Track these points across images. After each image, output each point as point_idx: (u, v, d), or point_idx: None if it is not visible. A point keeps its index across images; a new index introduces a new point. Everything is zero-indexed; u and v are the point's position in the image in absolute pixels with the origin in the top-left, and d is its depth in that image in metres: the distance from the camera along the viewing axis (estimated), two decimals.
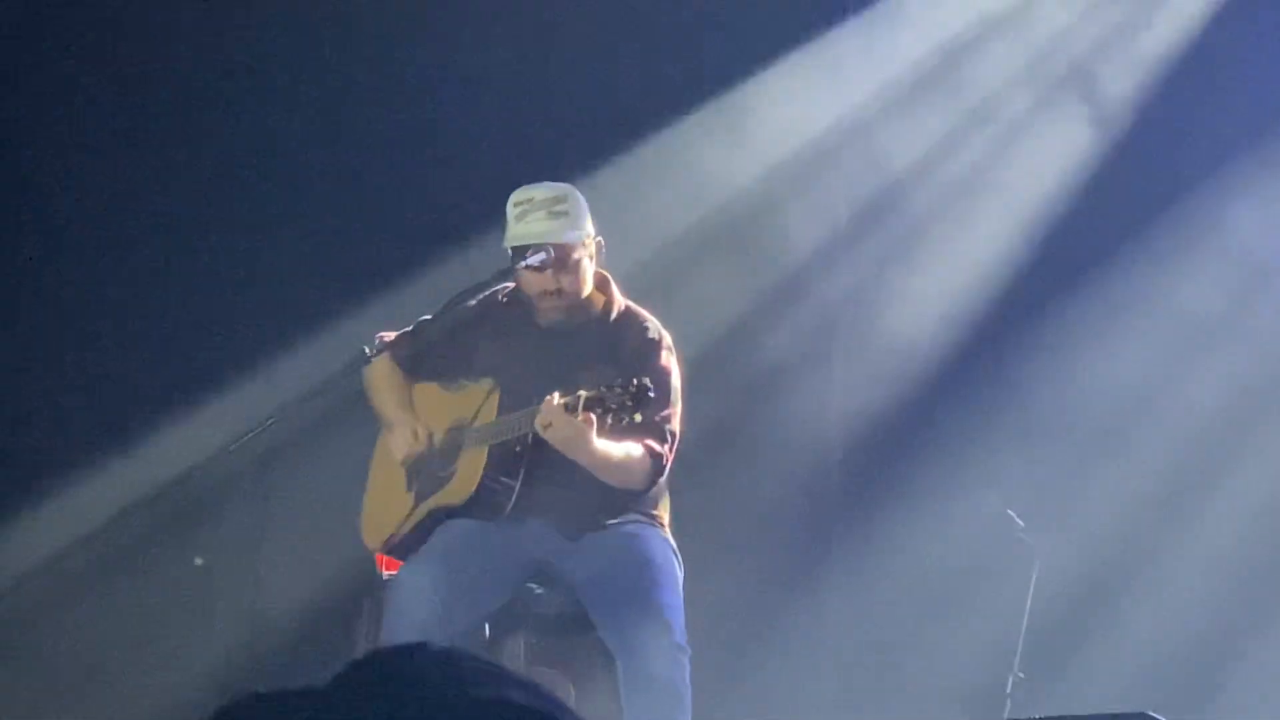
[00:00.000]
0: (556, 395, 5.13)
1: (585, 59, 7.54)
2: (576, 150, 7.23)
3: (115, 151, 7.08)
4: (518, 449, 5.40)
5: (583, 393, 5.09)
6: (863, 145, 7.82)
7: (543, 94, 7.51)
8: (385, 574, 5.64)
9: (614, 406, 5.03)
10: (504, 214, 5.52)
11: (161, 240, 7.14)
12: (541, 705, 1.25)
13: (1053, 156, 7.79)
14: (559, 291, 5.46)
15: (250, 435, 5.37)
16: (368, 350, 5.52)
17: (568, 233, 5.45)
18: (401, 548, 5.60)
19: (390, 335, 5.66)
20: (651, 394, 5.04)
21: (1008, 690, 6.91)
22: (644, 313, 5.65)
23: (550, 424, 5.14)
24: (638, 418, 5.07)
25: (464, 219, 6.95)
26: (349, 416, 6.30)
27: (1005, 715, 6.78)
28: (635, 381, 5.03)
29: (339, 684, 1.24)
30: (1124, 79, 7.80)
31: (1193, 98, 7.78)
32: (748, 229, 7.64)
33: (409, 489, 5.66)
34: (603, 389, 5.05)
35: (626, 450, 5.30)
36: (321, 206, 7.27)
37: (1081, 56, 7.87)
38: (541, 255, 5.42)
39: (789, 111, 7.66)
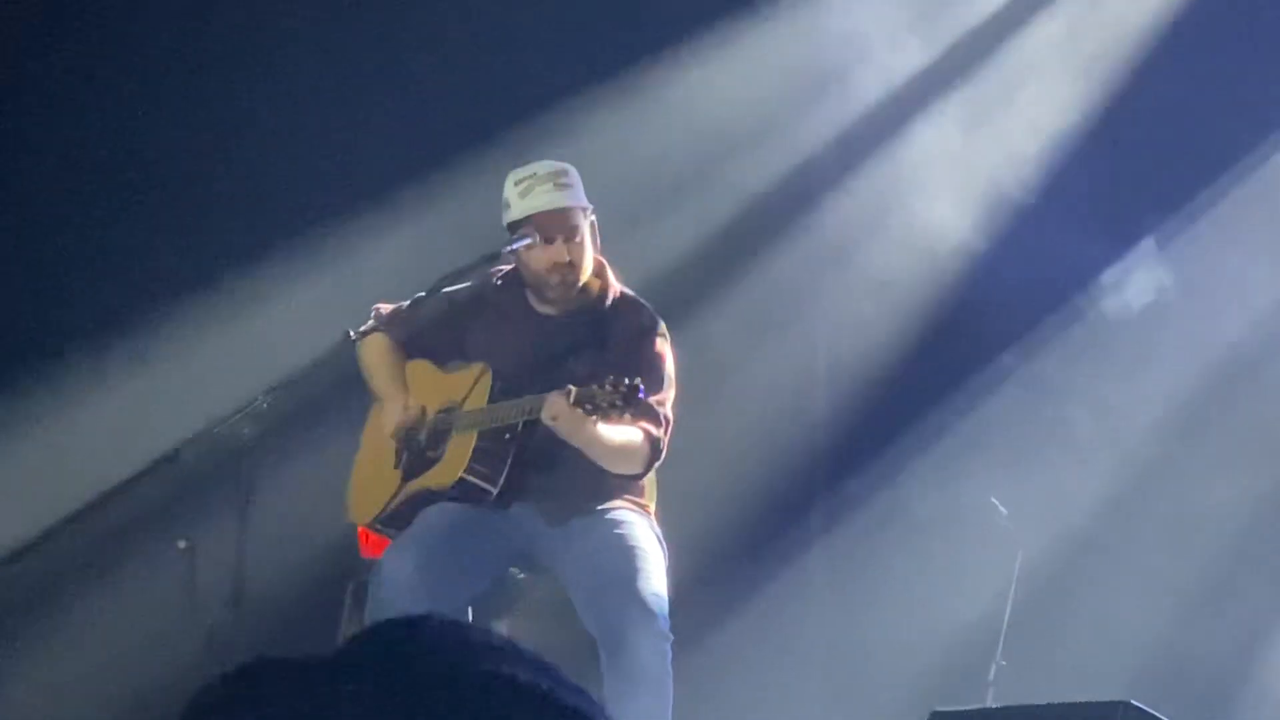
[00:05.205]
0: (573, 390, 5.13)
1: None
2: (551, 90, 7.24)
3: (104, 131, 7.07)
4: (507, 436, 5.43)
5: (572, 388, 5.11)
6: (850, 90, 7.76)
7: (515, 31, 7.48)
8: (367, 555, 5.64)
9: (604, 405, 5.06)
10: (501, 193, 5.56)
11: (146, 222, 7.13)
12: (542, 681, 1.24)
13: (1052, 103, 7.72)
14: (570, 264, 5.48)
15: (236, 416, 5.37)
16: (351, 333, 5.53)
17: (575, 202, 5.49)
18: (385, 525, 5.61)
19: (386, 307, 5.67)
20: (641, 394, 5.05)
21: (990, 677, 6.93)
22: (639, 299, 5.68)
23: (557, 417, 5.17)
24: (627, 417, 5.10)
25: (444, 183, 6.98)
26: (333, 398, 6.30)
27: (988, 702, 6.78)
28: (626, 381, 5.04)
29: (343, 653, 1.23)
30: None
31: None
32: (727, 187, 7.60)
33: (397, 466, 5.67)
34: (594, 386, 5.07)
35: (627, 436, 5.33)
36: (304, 185, 7.25)
37: None
38: (528, 240, 5.45)
39: (770, 53, 7.61)
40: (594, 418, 5.11)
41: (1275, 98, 7.64)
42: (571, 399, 5.10)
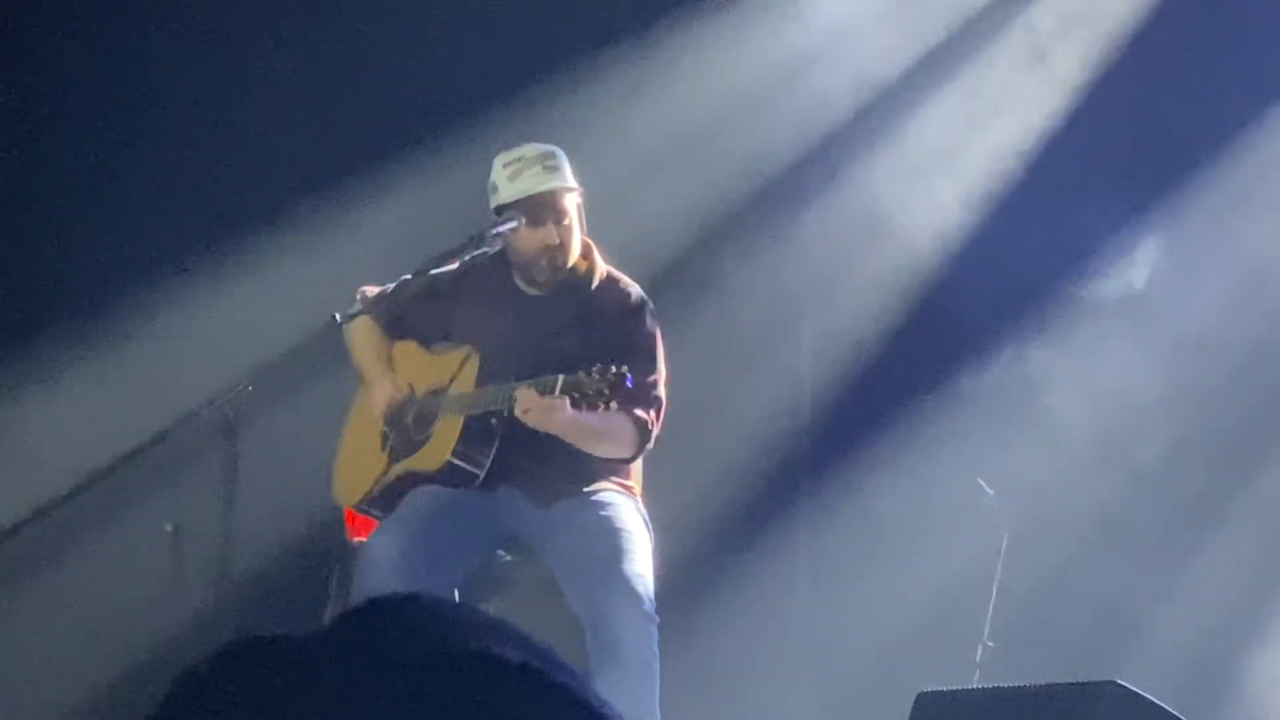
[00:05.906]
0: (561, 378, 5.11)
1: None
2: (539, 72, 7.24)
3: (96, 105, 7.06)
4: (493, 420, 5.42)
5: (561, 377, 5.10)
6: (835, 80, 7.74)
7: (502, 12, 7.47)
8: (354, 537, 5.64)
9: (590, 393, 5.06)
10: (487, 174, 5.56)
11: (130, 204, 7.11)
12: (532, 660, 1.23)
13: (1038, 89, 7.71)
14: (559, 246, 5.47)
15: (222, 399, 5.36)
16: (337, 316, 5.52)
17: (563, 184, 5.49)
18: (371, 507, 5.60)
19: (372, 290, 5.66)
20: (629, 382, 5.05)
21: (977, 658, 6.94)
22: (625, 278, 5.67)
23: (529, 410, 5.17)
24: (613, 406, 5.09)
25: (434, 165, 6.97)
26: (319, 381, 6.29)
27: (974, 683, 6.78)
28: (613, 369, 5.04)
29: (331, 631, 1.22)
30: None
31: None
32: (714, 174, 7.59)
33: (383, 449, 5.67)
34: (581, 374, 5.07)
35: (607, 420, 5.30)
36: (289, 167, 7.22)
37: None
38: (514, 223, 5.44)
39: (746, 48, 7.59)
40: (565, 402, 5.11)
41: (1266, 79, 7.64)
42: (559, 388, 5.10)
